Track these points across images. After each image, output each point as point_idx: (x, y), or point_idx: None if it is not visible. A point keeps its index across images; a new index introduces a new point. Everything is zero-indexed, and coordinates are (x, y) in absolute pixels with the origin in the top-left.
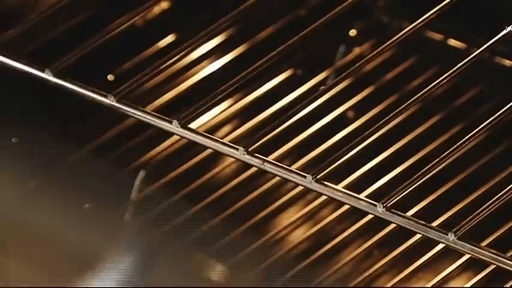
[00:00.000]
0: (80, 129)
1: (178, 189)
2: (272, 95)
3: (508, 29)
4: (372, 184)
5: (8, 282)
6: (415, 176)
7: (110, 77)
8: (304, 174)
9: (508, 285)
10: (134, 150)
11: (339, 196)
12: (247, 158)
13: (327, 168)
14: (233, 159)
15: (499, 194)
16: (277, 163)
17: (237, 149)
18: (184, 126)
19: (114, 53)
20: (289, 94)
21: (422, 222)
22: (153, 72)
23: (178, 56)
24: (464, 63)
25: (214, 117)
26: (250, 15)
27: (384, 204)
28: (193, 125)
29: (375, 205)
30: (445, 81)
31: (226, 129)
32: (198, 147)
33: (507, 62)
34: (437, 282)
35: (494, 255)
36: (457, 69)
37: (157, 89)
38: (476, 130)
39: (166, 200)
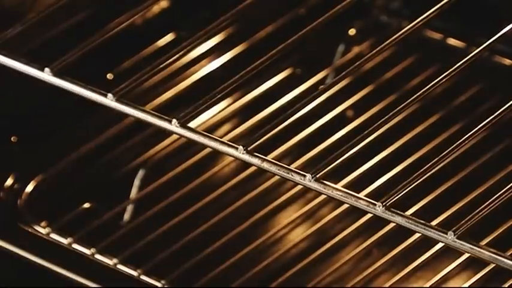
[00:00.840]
0: (80, 128)
1: (178, 188)
2: (271, 94)
3: (508, 27)
4: (372, 183)
5: None
6: (415, 175)
7: (109, 76)
8: (304, 173)
9: (507, 285)
10: (133, 149)
11: (338, 195)
12: (246, 157)
13: (327, 167)
14: (232, 158)
15: (499, 193)
16: (277, 162)
17: (237, 148)
18: (183, 125)
19: (114, 52)
20: (288, 93)
21: (422, 221)
22: (153, 71)
23: (177, 55)
24: (464, 62)
25: (214, 116)
26: (249, 14)
27: (384, 204)
28: (192, 124)
29: (375, 204)
30: (444, 80)
31: (225, 128)
32: (198, 146)
33: (506, 61)
34: (436, 281)
35: (493, 255)
36: (457, 68)
37: (157, 88)
38: (475, 129)
39: (166, 199)
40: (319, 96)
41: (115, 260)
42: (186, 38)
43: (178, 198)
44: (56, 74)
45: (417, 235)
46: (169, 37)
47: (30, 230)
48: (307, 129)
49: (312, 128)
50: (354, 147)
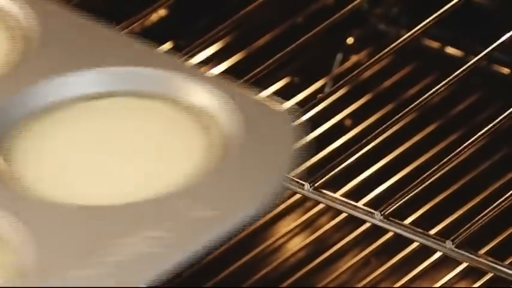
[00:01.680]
0: None
1: None
2: None
3: (506, 36)
4: (370, 192)
5: None
6: (413, 183)
7: None
8: (303, 182)
9: None
10: None
11: (336, 204)
12: None
13: (325, 176)
14: None
15: (497, 202)
16: None
17: None
18: None
19: None
20: (286, 102)
21: (420, 230)
22: None
23: None
24: (462, 71)
25: None
26: (247, 23)
27: (382, 212)
28: None
29: (373, 213)
30: (442, 89)
31: None
32: None
33: (505, 70)
34: None
35: (492, 264)
36: (455, 77)
37: None
38: (474, 138)
39: None
40: (317, 105)
41: None
42: (184, 46)
43: None
44: None
45: (416, 244)
46: (167, 46)
47: None
48: (305, 138)
49: (310, 137)
50: (352, 156)
